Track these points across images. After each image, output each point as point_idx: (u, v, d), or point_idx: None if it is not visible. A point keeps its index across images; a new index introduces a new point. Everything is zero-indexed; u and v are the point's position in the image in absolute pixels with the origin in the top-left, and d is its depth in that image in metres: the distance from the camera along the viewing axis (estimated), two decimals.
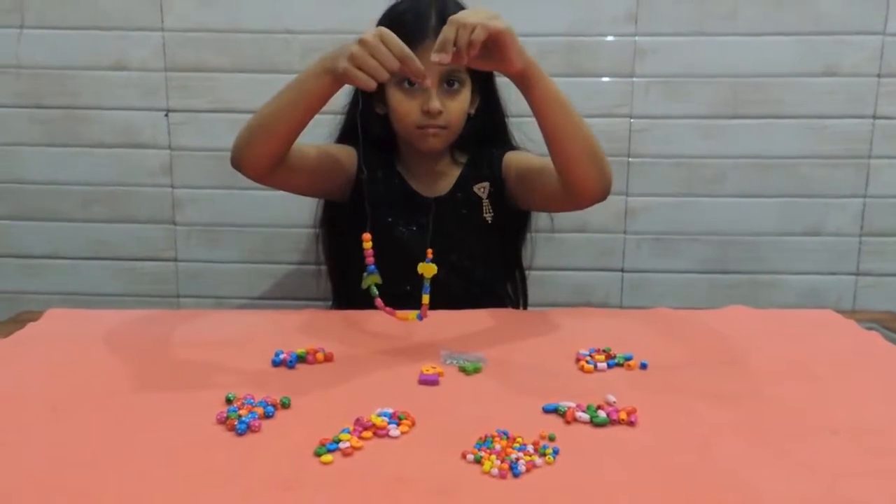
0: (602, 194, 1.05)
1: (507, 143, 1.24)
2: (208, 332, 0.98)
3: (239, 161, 1.05)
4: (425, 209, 1.17)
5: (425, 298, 0.93)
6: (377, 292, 0.93)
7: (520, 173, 1.17)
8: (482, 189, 1.18)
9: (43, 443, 0.68)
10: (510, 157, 1.20)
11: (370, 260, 0.92)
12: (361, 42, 0.90)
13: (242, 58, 1.48)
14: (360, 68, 0.89)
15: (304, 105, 0.99)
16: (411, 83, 1.10)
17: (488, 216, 1.18)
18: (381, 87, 1.13)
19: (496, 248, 1.23)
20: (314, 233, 1.29)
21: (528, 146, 1.24)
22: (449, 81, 1.11)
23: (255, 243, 1.57)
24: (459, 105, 1.13)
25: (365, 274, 0.92)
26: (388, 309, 0.94)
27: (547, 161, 1.06)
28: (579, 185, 1.03)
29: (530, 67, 0.95)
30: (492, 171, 1.19)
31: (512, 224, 1.25)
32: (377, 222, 1.05)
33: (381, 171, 1.19)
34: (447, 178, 1.20)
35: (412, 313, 0.94)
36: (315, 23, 1.46)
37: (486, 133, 1.22)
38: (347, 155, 1.18)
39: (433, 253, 1.01)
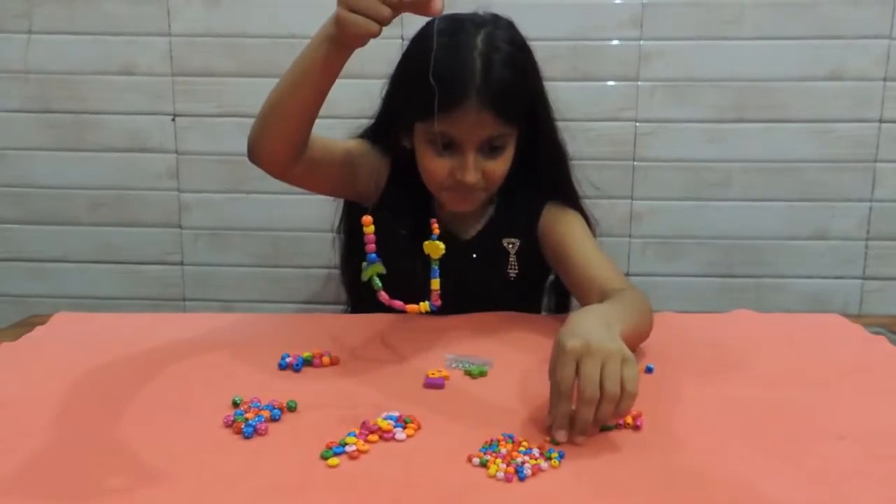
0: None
1: (561, 184, 1.09)
2: (214, 336, 0.98)
3: (254, 153, 0.95)
4: (446, 247, 1.07)
5: (435, 283, 0.83)
6: (380, 284, 0.83)
7: (555, 252, 1.05)
8: (511, 245, 1.08)
9: (50, 446, 0.68)
10: (551, 220, 1.07)
11: (371, 248, 0.81)
12: None
13: (249, 62, 1.49)
14: (355, 11, 0.75)
15: (312, 80, 0.87)
16: (445, 146, 0.95)
17: (512, 272, 1.08)
18: (410, 135, 0.99)
19: (517, 301, 1.10)
20: (332, 237, 1.25)
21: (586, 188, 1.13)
22: (489, 146, 0.97)
23: (261, 247, 1.57)
24: (502, 166, 0.99)
25: (365, 264, 0.81)
26: (396, 302, 0.84)
27: (587, 267, 0.99)
28: None
29: None
30: (525, 227, 1.08)
31: (536, 279, 1.14)
32: (394, 248, 0.96)
33: (408, 198, 1.07)
34: (478, 214, 1.09)
35: (424, 304, 0.84)
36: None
37: (533, 175, 1.08)
38: (376, 155, 1.09)
39: (445, 298, 0.94)
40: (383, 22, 0.76)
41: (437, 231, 0.82)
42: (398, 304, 0.84)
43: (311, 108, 0.90)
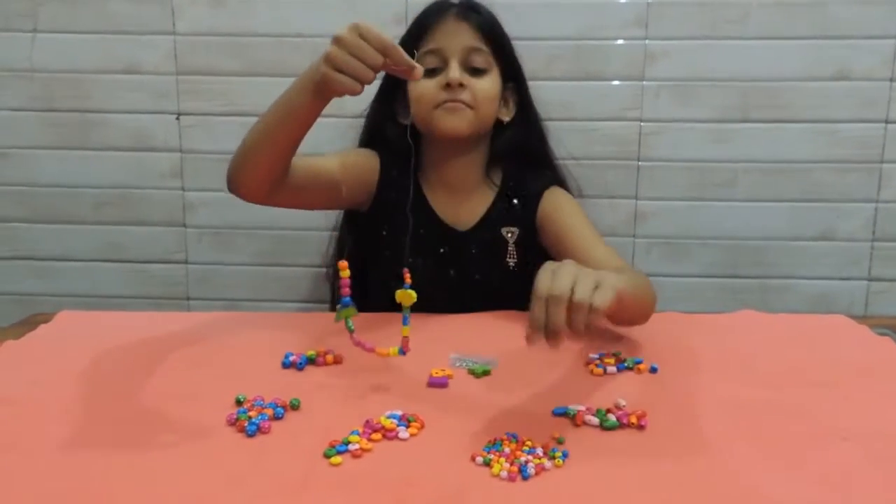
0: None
1: (544, 161, 1.16)
2: (218, 334, 0.99)
3: (233, 185, 0.98)
4: (445, 240, 1.10)
5: (405, 330, 0.81)
6: (353, 327, 0.83)
7: (556, 240, 1.08)
8: (510, 234, 1.11)
9: (54, 444, 0.68)
10: (550, 206, 1.11)
11: (346, 291, 0.80)
12: (337, 40, 0.78)
13: (253, 61, 1.48)
14: (340, 71, 0.78)
15: (292, 124, 0.90)
16: (431, 71, 1.04)
17: (511, 261, 1.10)
18: (403, 91, 1.06)
19: (518, 291, 1.10)
20: (331, 234, 1.26)
21: (560, 153, 1.20)
22: (471, 63, 1.05)
23: (265, 246, 1.57)
24: (486, 85, 1.06)
25: (339, 307, 0.81)
26: (366, 346, 0.84)
27: (589, 250, 1.02)
28: (624, 325, 0.98)
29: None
30: (525, 214, 1.11)
31: (536, 268, 1.16)
32: (393, 244, 1.03)
33: (404, 189, 1.07)
34: (476, 203, 1.12)
35: (393, 348, 0.83)
36: (326, 26, 1.46)
37: (521, 148, 1.14)
38: (366, 163, 1.11)
39: (449, 290, 0.95)
40: (367, 82, 0.79)
41: (408, 280, 0.81)
42: (368, 346, 0.83)
43: (289, 148, 0.93)
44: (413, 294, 0.81)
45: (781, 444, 0.69)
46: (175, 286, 1.59)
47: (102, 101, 1.52)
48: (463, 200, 1.12)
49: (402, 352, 0.82)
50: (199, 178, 1.54)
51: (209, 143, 1.52)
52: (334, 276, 1.25)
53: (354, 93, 0.79)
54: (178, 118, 1.52)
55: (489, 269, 1.11)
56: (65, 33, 1.49)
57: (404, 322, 0.81)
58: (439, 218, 1.11)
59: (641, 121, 1.48)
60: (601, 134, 1.49)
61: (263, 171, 0.95)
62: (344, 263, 0.80)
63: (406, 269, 0.81)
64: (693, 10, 1.44)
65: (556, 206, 1.11)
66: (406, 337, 0.82)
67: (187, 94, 1.51)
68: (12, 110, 1.53)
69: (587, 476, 0.63)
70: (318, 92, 0.84)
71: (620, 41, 1.46)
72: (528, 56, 1.43)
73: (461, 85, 1.03)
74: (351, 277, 1.19)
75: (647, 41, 1.46)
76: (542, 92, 1.45)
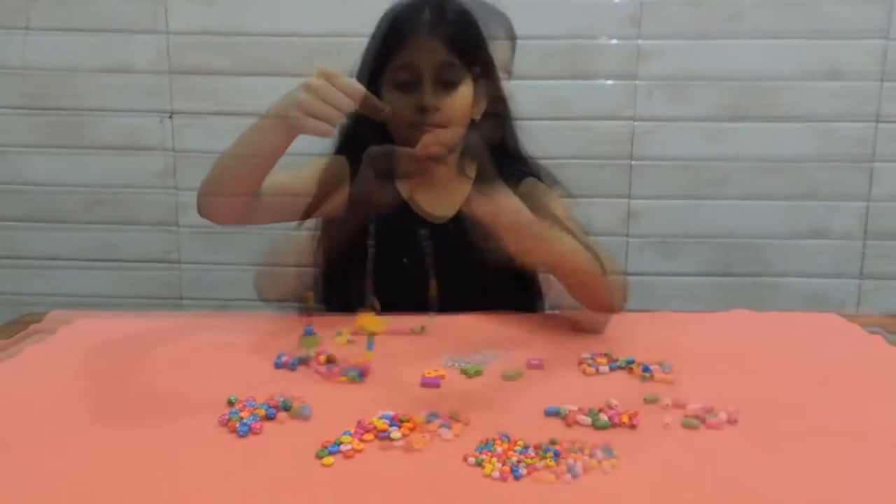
0: (617, 311, 1.00)
1: (516, 155, 1.16)
2: (211, 335, 0.98)
3: (204, 212, 1.01)
4: (424, 234, 1.10)
5: (368, 355, 0.82)
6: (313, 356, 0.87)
7: None
8: None
9: (45, 444, 0.68)
10: (525, 196, 1.07)
11: (310, 321, 0.86)
12: (307, 87, 0.84)
13: (246, 60, 1.48)
14: (311, 115, 0.84)
15: (261, 158, 0.93)
16: (406, 84, 1.04)
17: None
18: (378, 91, 1.07)
19: (504, 276, 1.11)
20: (314, 234, 1.27)
21: (532, 149, 1.21)
22: (444, 78, 1.05)
23: (258, 246, 1.57)
24: (458, 102, 1.06)
25: (302, 336, 0.86)
26: (324, 371, 0.84)
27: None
28: (589, 307, 1.00)
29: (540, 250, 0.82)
30: None
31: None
32: (383, 246, 1.03)
33: (378, 191, 1.09)
34: (453, 194, 1.12)
35: (352, 374, 0.82)
36: (318, 25, 1.46)
37: (492, 142, 1.13)
38: (334, 171, 1.12)
39: (436, 284, 0.97)
40: (336, 123, 0.85)
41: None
42: (325, 373, 0.83)
43: (258, 178, 0.97)
44: (379, 321, 0.84)
45: (774, 442, 0.69)
46: (168, 286, 1.59)
47: (95, 100, 1.51)
48: (439, 195, 1.13)
49: (360, 376, 0.82)
50: (191, 178, 1.54)
51: (202, 143, 1.52)
52: (320, 276, 1.25)
53: (328, 134, 0.86)
54: (170, 117, 1.52)
55: (470, 257, 1.09)
56: (57, 31, 1.49)
57: (369, 347, 0.84)
58: (416, 214, 1.12)
59: (634, 119, 1.49)
60: (594, 133, 1.49)
61: (233, 201, 0.98)
62: (308, 294, 0.88)
63: (375, 298, 0.85)
64: (686, 9, 1.44)
65: (532, 196, 1.10)
66: (367, 362, 0.83)
67: (180, 93, 1.50)
68: (4, 108, 1.52)
69: (579, 475, 0.63)
70: (288, 133, 0.89)
71: (614, 40, 1.46)
72: (522, 55, 1.43)
73: (435, 108, 1.04)
74: (337, 280, 1.19)
75: (640, 40, 1.46)
76: (536, 91, 1.46)
